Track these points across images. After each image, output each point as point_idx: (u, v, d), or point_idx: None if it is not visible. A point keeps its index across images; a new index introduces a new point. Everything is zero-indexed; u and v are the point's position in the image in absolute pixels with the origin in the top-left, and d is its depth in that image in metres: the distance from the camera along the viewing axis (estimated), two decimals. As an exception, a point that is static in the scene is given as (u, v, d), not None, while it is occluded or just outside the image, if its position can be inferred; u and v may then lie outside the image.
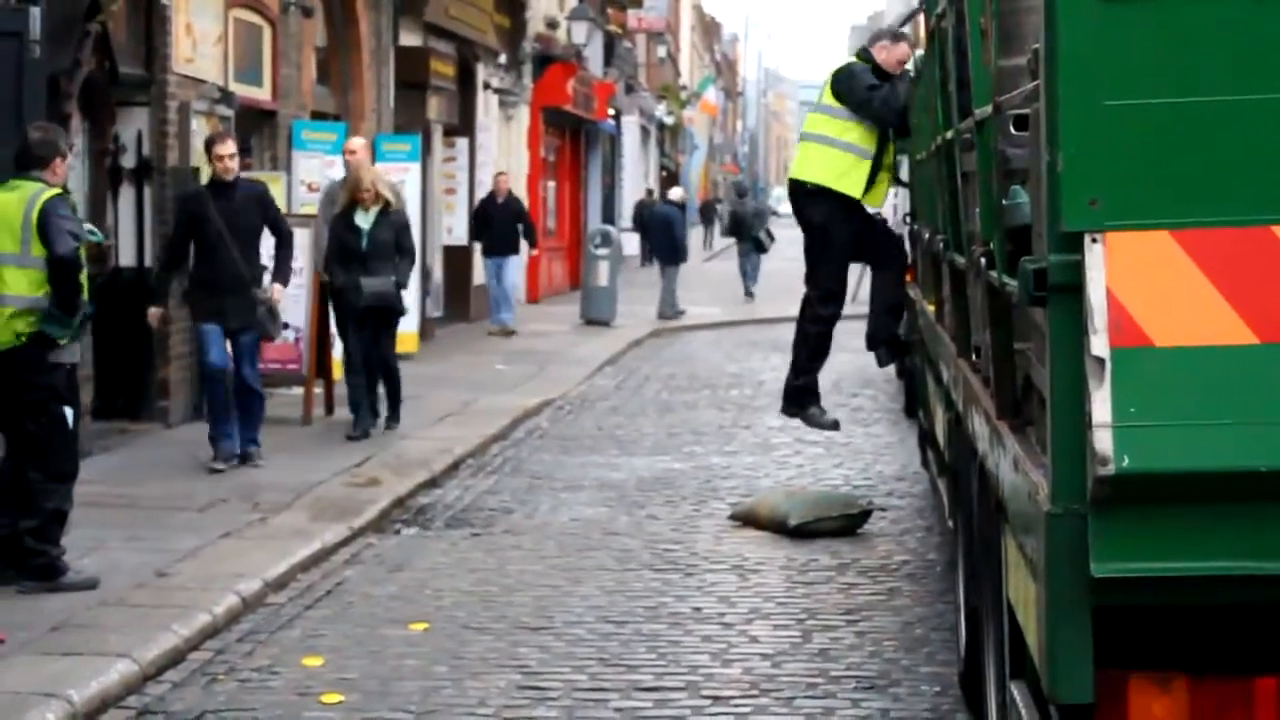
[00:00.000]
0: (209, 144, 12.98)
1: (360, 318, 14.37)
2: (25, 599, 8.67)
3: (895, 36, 11.25)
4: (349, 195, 14.45)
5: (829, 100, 10.89)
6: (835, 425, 11.36)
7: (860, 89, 10.75)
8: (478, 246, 25.68)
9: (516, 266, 25.53)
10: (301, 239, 15.40)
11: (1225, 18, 3.99)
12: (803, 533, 10.73)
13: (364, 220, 14.33)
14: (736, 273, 34.54)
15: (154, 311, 12.88)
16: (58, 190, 8.95)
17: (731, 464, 13.74)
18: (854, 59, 11.04)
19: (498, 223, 24.72)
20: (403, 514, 11.70)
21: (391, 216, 14.45)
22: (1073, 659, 4.09)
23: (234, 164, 12.71)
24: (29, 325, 8.78)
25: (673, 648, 8.29)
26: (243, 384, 12.70)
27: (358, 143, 15.95)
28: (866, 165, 10.82)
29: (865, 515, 11.07)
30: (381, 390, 14.88)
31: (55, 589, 8.78)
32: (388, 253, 14.35)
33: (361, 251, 14.23)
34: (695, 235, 45.58)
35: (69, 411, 8.93)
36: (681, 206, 31.81)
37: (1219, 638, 4.29)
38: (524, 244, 25.48)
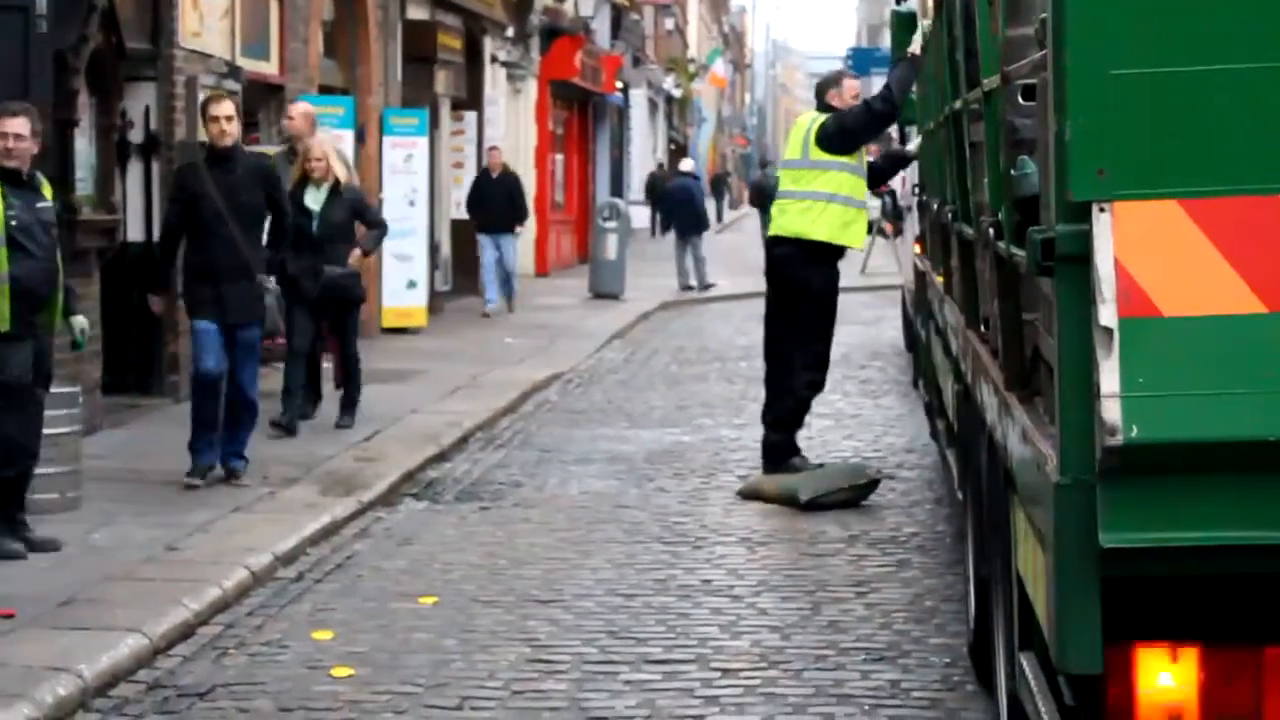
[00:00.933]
0: (204, 106, 11.45)
1: (315, 305, 13.07)
2: (35, 574, 8.68)
3: (835, 80, 11.74)
4: (298, 169, 13.05)
5: (817, 155, 11.13)
6: (820, 465, 11.47)
7: (855, 116, 11.16)
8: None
9: (515, 244, 24.58)
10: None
11: (1233, -14, 3.98)
12: (814, 506, 10.71)
13: (315, 200, 13.01)
14: (747, 245, 34.68)
15: (154, 299, 11.56)
16: None
17: (741, 437, 13.72)
18: (819, 115, 11.39)
19: (493, 199, 24.03)
20: (412, 488, 11.71)
21: (345, 195, 13.13)
22: (1081, 630, 4.09)
23: (232, 127, 10.99)
24: None
25: (682, 620, 8.29)
26: (238, 391, 11.06)
27: (299, 109, 14.20)
28: (865, 215, 11.24)
29: (874, 484, 11.05)
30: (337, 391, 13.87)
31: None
32: (342, 235, 13.15)
33: (313, 235, 12.90)
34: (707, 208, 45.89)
35: None
36: (696, 177, 32.10)
37: (1228, 608, 4.28)
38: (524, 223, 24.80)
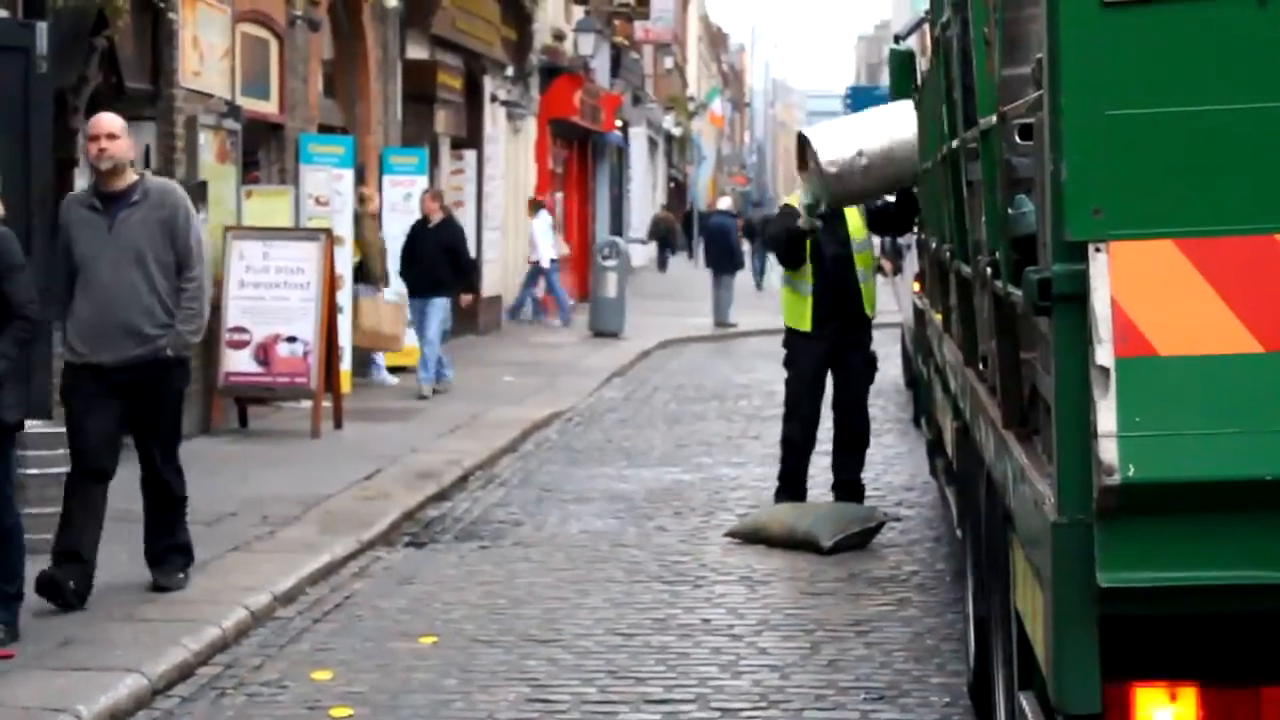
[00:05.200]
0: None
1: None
2: (34, 615, 8.65)
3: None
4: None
5: None
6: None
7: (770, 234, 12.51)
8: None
9: (441, 311, 18.59)
10: (310, 251, 15.43)
11: (1228, 26, 3.99)
12: (834, 549, 10.60)
13: None
14: (744, 283, 35.02)
15: None
16: None
17: (740, 475, 13.73)
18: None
19: (421, 255, 18.49)
20: (412, 527, 11.70)
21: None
22: (1079, 669, 4.09)
23: None
24: None
25: (681, 660, 8.28)
26: None
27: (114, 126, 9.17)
28: (809, 300, 11.47)
29: (881, 526, 11.05)
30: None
31: None
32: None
33: None
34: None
35: None
36: (734, 215, 33.04)
37: (1226, 647, 4.28)
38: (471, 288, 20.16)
